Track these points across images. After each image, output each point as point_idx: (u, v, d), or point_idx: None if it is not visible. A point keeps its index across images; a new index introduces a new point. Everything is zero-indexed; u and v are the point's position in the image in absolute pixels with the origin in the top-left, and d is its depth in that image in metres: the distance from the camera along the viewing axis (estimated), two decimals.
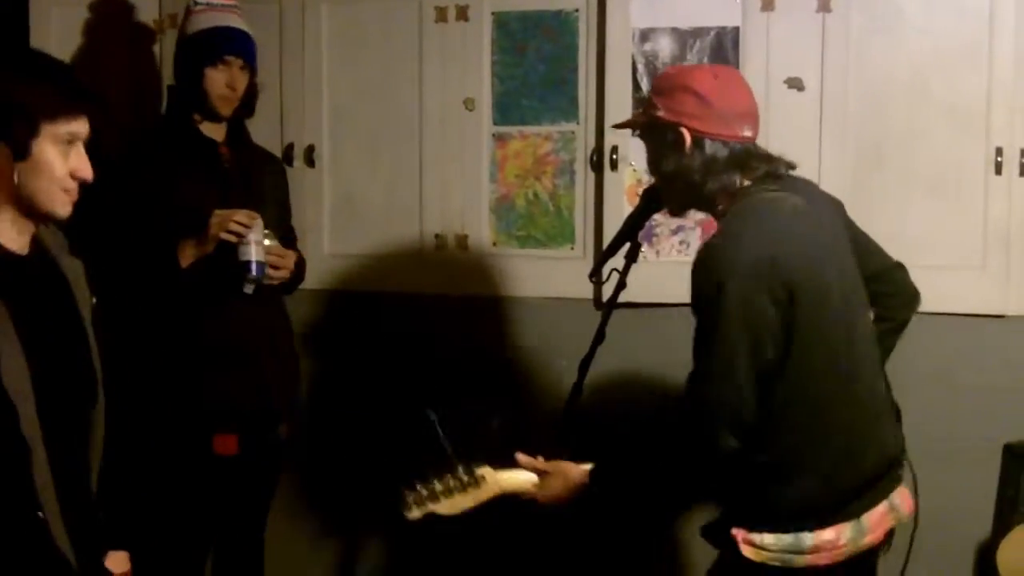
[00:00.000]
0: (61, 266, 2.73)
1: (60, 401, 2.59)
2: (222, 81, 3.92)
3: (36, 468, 2.49)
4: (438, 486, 3.00)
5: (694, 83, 2.90)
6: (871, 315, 3.06)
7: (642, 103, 3.07)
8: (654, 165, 3.02)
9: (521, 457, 3.06)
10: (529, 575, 4.66)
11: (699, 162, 2.88)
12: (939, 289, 4.15)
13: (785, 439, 2.79)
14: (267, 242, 3.84)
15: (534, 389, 4.59)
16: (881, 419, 2.99)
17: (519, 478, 3.06)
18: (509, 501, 3.11)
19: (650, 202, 3.23)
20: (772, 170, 2.94)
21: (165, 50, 4.80)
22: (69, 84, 2.56)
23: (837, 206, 3.12)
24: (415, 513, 3.01)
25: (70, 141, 2.54)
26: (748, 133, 2.93)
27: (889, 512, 2.95)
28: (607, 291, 3.30)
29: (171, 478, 3.84)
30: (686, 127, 2.88)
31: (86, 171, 2.57)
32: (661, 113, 2.92)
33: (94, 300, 2.81)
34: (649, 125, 2.98)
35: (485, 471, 3.02)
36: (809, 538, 2.80)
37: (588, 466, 3.00)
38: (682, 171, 2.91)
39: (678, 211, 3.11)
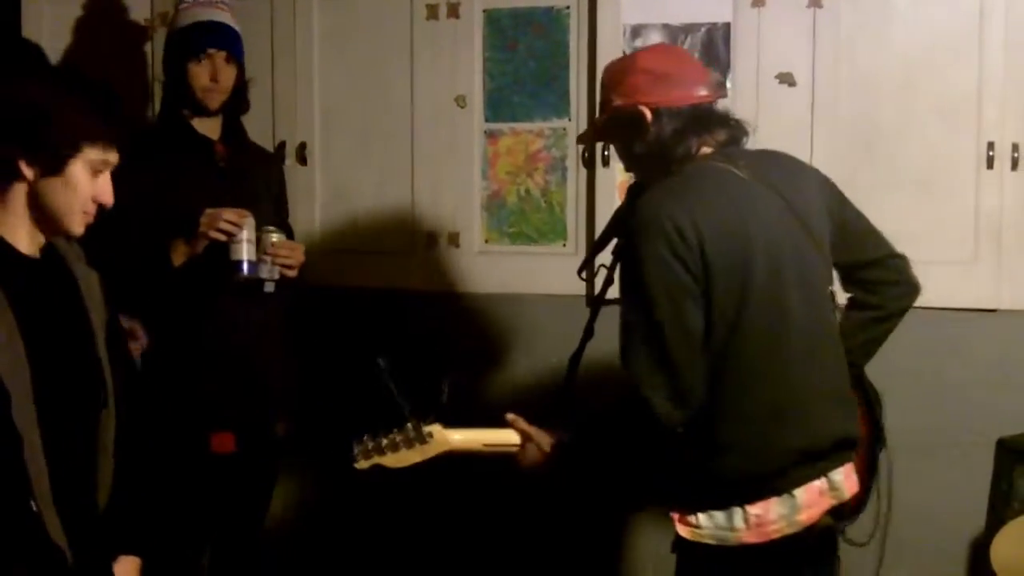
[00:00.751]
0: (75, 273, 2.75)
1: (63, 401, 2.60)
2: (205, 74, 3.92)
3: (29, 458, 2.50)
4: (385, 440, 3.02)
5: (640, 62, 2.95)
6: (829, 296, 3.01)
7: (600, 107, 3.06)
8: (627, 157, 3.04)
9: (510, 416, 3.04)
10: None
11: (665, 132, 2.90)
12: (931, 284, 4.12)
13: (710, 411, 2.78)
14: (274, 237, 3.86)
15: (526, 385, 4.59)
16: (824, 398, 2.90)
17: (471, 438, 3.06)
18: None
19: (635, 197, 3.22)
20: (732, 135, 2.96)
21: (156, 48, 4.80)
22: (115, 113, 2.63)
23: (822, 185, 3.10)
24: (362, 463, 3.03)
25: (102, 167, 2.61)
26: (704, 92, 2.95)
27: (829, 491, 2.89)
28: (598, 287, 3.29)
29: (168, 476, 3.84)
30: (643, 103, 2.90)
31: (108, 198, 2.64)
32: (618, 101, 2.94)
33: (109, 311, 2.84)
34: (610, 121, 3.00)
35: (434, 428, 3.02)
36: (738, 514, 2.80)
37: (552, 441, 3.00)
38: (651, 147, 2.93)
39: None
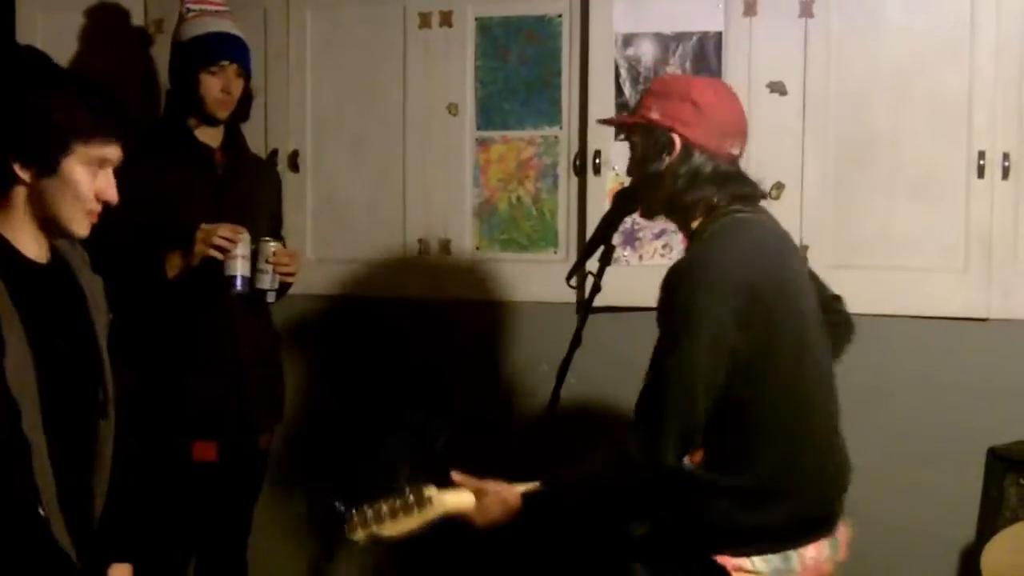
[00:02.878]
0: (80, 280, 2.75)
1: (66, 408, 2.60)
2: (217, 85, 3.94)
3: (37, 466, 2.50)
4: (384, 507, 2.92)
5: (693, 93, 2.92)
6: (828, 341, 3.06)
7: (630, 105, 3.05)
8: (638, 166, 3.01)
9: (456, 475, 2.98)
10: None
11: (684, 170, 2.89)
12: (921, 292, 4.18)
13: (762, 463, 2.81)
14: (273, 247, 3.88)
15: (517, 393, 4.59)
16: (839, 437, 3.01)
17: (463, 499, 2.97)
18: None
19: (622, 204, 3.23)
20: (749, 192, 2.96)
21: (153, 55, 4.81)
22: (108, 109, 2.60)
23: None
24: (359, 535, 2.93)
25: (100, 164, 2.58)
26: (735, 151, 2.95)
27: (848, 527, 2.99)
28: (587, 295, 3.30)
29: (150, 484, 3.84)
30: (679, 133, 2.89)
31: (111, 194, 2.62)
32: (655, 115, 2.92)
33: (111, 315, 2.83)
34: (641, 128, 2.98)
35: (432, 491, 2.93)
36: (794, 557, 2.83)
37: (522, 488, 2.94)
38: (666, 176, 2.91)
39: (650, 215, 3.13)
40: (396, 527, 2.92)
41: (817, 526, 2.87)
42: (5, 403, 2.44)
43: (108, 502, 2.79)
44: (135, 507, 2.92)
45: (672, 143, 2.90)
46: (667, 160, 2.91)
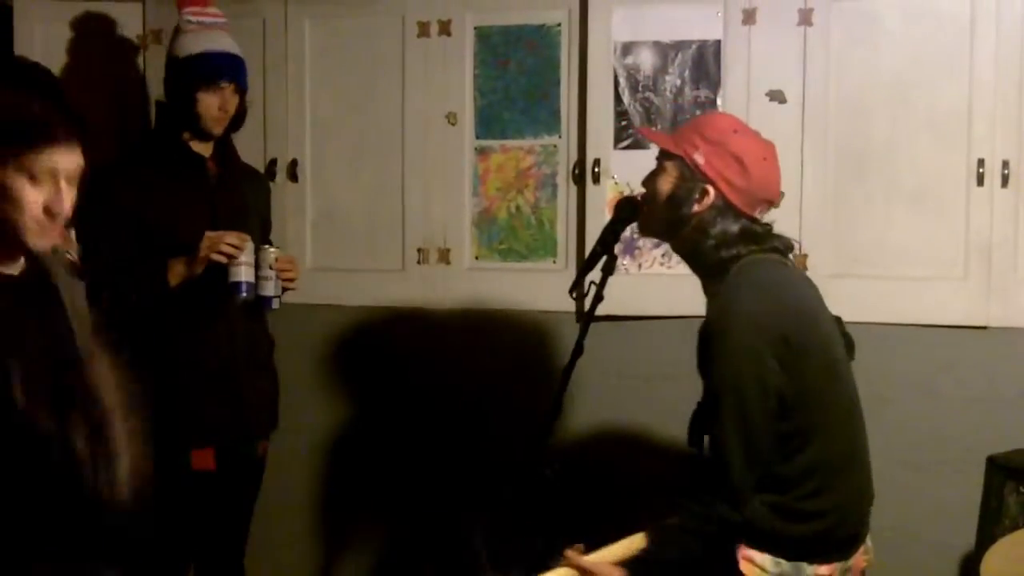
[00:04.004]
0: (57, 283, 2.69)
1: (67, 420, 2.58)
2: (215, 104, 3.95)
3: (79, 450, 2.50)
4: None
5: (745, 155, 2.91)
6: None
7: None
8: (666, 199, 2.98)
9: (569, 554, 2.82)
10: None
11: (714, 228, 2.92)
12: (921, 300, 4.17)
13: (800, 487, 2.85)
14: (274, 254, 3.88)
15: (516, 402, 4.58)
16: (867, 465, 3.05)
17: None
18: None
19: (623, 214, 3.22)
20: (783, 245, 3.00)
21: (149, 65, 4.81)
22: (48, 113, 2.47)
23: None
24: None
25: (49, 173, 2.45)
26: (761, 216, 2.98)
27: (864, 553, 3.01)
28: (588, 304, 3.29)
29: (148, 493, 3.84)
30: (718, 189, 2.90)
31: (59, 206, 2.47)
32: (700, 160, 2.91)
33: (93, 322, 2.78)
34: (679, 163, 2.96)
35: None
36: (808, 570, 2.86)
37: (621, 552, 2.84)
38: (694, 224, 2.94)
39: (651, 235, 3.17)
40: None
41: (837, 548, 2.91)
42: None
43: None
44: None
45: (706, 193, 2.91)
46: (696, 208, 2.92)
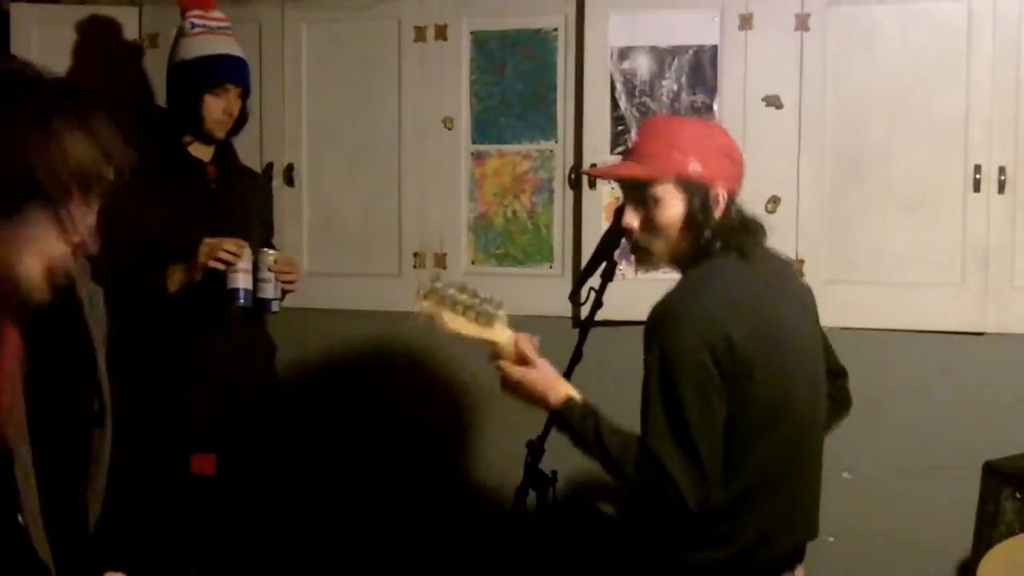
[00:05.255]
0: (76, 285, 2.71)
1: (56, 416, 2.58)
2: (220, 107, 3.97)
3: (19, 473, 2.47)
4: (460, 296, 2.87)
5: (723, 143, 2.90)
6: (824, 403, 3.01)
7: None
8: (682, 223, 2.86)
9: (522, 338, 2.97)
10: None
11: (732, 222, 2.87)
12: (918, 306, 4.18)
13: (727, 504, 2.75)
14: (272, 257, 3.89)
15: (511, 407, 4.57)
16: (815, 499, 2.97)
17: (515, 344, 2.95)
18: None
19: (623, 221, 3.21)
20: (759, 236, 2.93)
21: (147, 69, 4.80)
22: (105, 164, 2.45)
23: (810, 294, 3.09)
24: (426, 304, 2.85)
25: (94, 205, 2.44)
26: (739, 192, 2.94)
27: None
28: (585, 310, 3.29)
29: (148, 498, 3.84)
30: (724, 189, 2.85)
31: (95, 240, 2.47)
32: (700, 169, 2.84)
33: (109, 325, 2.80)
34: (678, 181, 2.85)
35: (503, 316, 2.94)
36: None
37: (567, 394, 2.90)
38: (716, 230, 2.85)
39: (655, 267, 3.03)
40: (455, 322, 2.88)
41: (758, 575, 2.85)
42: None
43: (104, 511, 2.78)
44: (131, 515, 2.89)
45: (718, 198, 2.84)
46: (717, 215, 2.85)
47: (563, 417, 2.88)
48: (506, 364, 2.95)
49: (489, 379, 4.63)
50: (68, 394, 2.65)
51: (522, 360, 2.96)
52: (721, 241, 2.84)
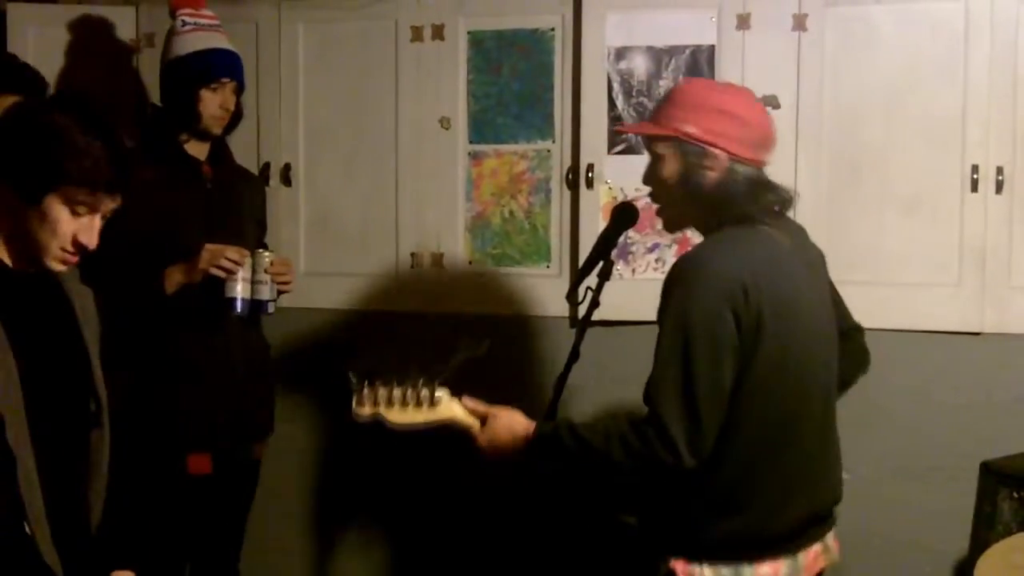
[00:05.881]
0: (67, 290, 2.72)
1: (55, 419, 2.58)
2: (216, 102, 3.96)
3: (23, 479, 2.47)
4: (396, 392, 2.90)
5: (730, 105, 2.87)
6: (835, 366, 3.01)
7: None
8: (676, 181, 2.90)
9: (467, 400, 2.99)
10: None
11: (734, 186, 2.85)
12: (915, 306, 4.18)
13: (731, 469, 2.77)
14: (268, 258, 3.87)
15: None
16: (829, 463, 2.99)
17: (472, 410, 2.99)
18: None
19: (620, 220, 3.21)
20: (781, 201, 2.92)
21: (143, 69, 4.80)
22: (113, 164, 2.52)
23: (822, 257, 3.11)
24: (365, 410, 2.90)
25: (88, 209, 2.52)
26: (767, 157, 2.92)
27: (823, 553, 2.95)
28: (583, 310, 3.28)
29: (144, 498, 3.84)
30: (722, 148, 2.84)
31: (90, 240, 2.55)
32: (691, 130, 2.85)
33: (101, 326, 2.81)
34: (673, 143, 2.88)
35: (443, 393, 2.94)
36: (748, 571, 2.80)
37: (533, 422, 2.94)
38: (712, 192, 2.85)
39: (677, 228, 3.08)
40: (402, 416, 2.91)
41: (775, 543, 2.83)
42: None
43: (106, 511, 2.77)
44: (133, 514, 2.89)
45: (715, 158, 2.84)
46: (711, 176, 2.85)
47: (539, 438, 2.91)
48: (476, 437, 3.00)
49: (487, 379, 4.66)
50: (65, 396, 2.66)
51: (481, 417, 3.00)
52: (729, 206, 2.85)
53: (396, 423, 2.92)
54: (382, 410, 2.91)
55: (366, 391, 2.91)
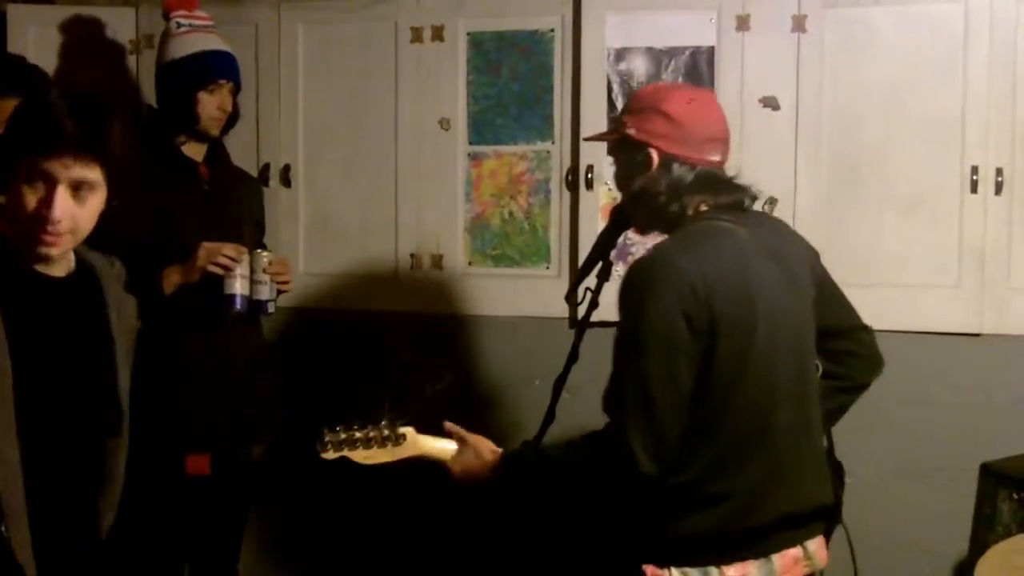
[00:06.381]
0: (107, 295, 2.70)
1: (61, 422, 2.56)
2: (214, 104, 3.96)
3: (1, 476, 2.44)
4: (358, 433, 2.97)
5: (666, 105, 2.87)
6: (815, 365, 2.99)
7: (615, 120, 3.03)
8: (622, 183, 2.99)
9: (448, 424, 3.04)
10: None
11: (665, 183, 2.86)
12: (914, 308, 4.18)
13: (695, 468, 2.74)
14: (266, 258, 3.87)
15: (509, 409, 4.58)
16: (804, 466, 2.91)
17: (439, 446, 3.02)
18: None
19: (618, 221, 3.21)
20: (736, 200, 2.91)
21: (142, 70, 4.80)
22: (57, 122, 2.48)
23: (809, 252, 3.08)
24: (330, 454, 2.97)
25: (46, 179, 2.46)
26: (716, 158, 2.90)
27: (803, 559, 2.88)
28: (582, 311, 3.29)
29: (142, 498, 3.83)
30: (654, 147, 2.86)
31: (47, 210, 2.46)
32: (631, 131, 2.89)
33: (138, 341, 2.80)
34: (619, 142, 2.96)
35: (408, 431, 2.99)
36: (714, 573, 2.77)
37: (501, 450, 2.98)
38: (648, 191, 2.88)
39: (643, 231, 3.10)
40: (367, 456, 2.97)
41: (742, 545, 2.79)
42: None
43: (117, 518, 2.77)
44: (131, 515, 2.89)
45: (649, 158, 2.86)
46: (646, 175, 2.88)
47: (505, 461, 2.94)
48: (448, 467, 3.03)
49: (487, 379, 4.67)
50: (77, 401, 2.62)
51: (460, 440, 3.03)
52: (667, 204, 2.87)
53: (368, 463, 2.99)
54: (347, 452, 2.97)
55: (328, 436, 2.97)
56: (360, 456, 2.98)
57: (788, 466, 2.86)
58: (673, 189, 2.86)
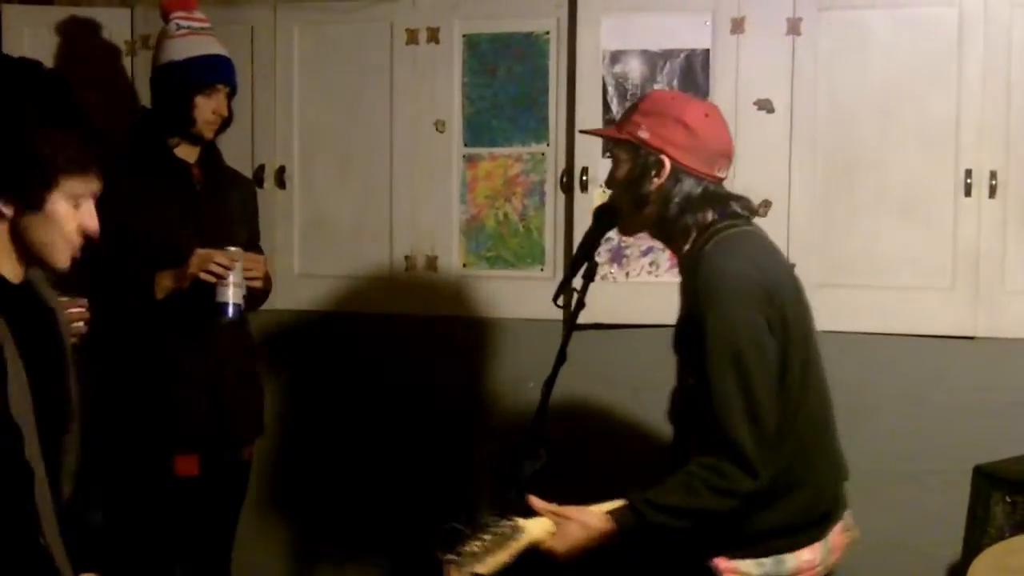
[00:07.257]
0: (44, 296, 2.71)
1: (48, 427, 2.57)
2: (210, 107, 3.96)
3: (38, 493, 2.46)
4: (477, 544, 2.70)
5: (686, 116, 2.91)
6: None
7: (622, 119, 3.04)
8: (623, 183, 3.00)
9: (535, 501, 2.86)
10: None
11: (676, 194, 2.90)
12: (909, 310, 4.18)
13: (775, 467, 2.79)
14: (233, 251, 3.81)
15: (503, 410, 4.58)
16: (837, 440, 3.04)
17: (543, 528, 2.81)
18: None
19: (602, 221, 3.21)
20: (742, 210, 2.97)
21: (138, 71, 4.79)
22: (93, 140, 2.52)
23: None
24: (465, 572, 2.67)
25: (82, 196, 2.51)
26: (722, 174, 2.96)
27: (845, 530, 3.00)
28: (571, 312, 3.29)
29: (131, 499, 3.84)
30: (669, 156, 2.89)
31: (93, 226, 2.54)
32: (645, 135, 2.91)
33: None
34: (628, 145, 2.97)
35: (520, 520, 2.78)
36: (791, 559, 2.84)
37: (605, 506, 2.85)
38: (657, 198, 2.92)
39: (631, 232, 3.15)
40: (497, 560, 2.72)
41: (813, 527, 2.89)
42: (8, 429, 2.39)
43: (69, 512, 2.76)
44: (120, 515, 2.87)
45: (662, 165, 2.89)
46: (656, 182, 2.91)
47: (623, 527, 2.83)
48: (552, 550, 2.84)
49: (487, 379, 4.67)
50: (53, 404, 2.63)
51: (554, 515, 2.86)
52: (676, 216, 2.92)
53: (498, 568, 2.73)
54: (477, 569, 2.69)
55: (448, 555, 2.70)
56: (486, 567, 2.71)
57: (840, 453, 3.02)
58: (683, 202, 2.91)
